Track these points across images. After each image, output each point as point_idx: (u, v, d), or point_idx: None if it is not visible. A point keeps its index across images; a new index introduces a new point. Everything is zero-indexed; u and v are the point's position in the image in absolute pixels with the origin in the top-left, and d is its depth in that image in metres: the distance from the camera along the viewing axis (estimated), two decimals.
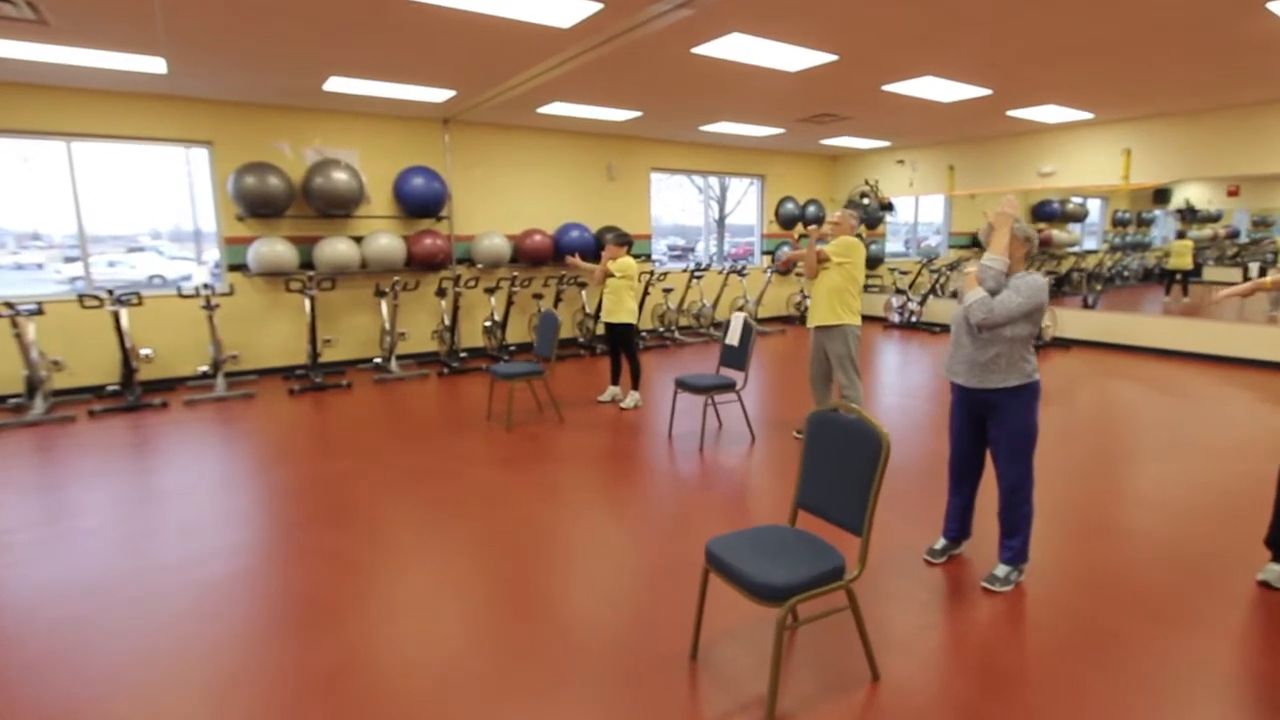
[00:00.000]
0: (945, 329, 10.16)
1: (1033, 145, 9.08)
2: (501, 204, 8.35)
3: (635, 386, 5.73)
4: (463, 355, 7.74)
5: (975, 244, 11.33)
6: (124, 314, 5.93)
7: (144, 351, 6.24)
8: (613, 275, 5.51)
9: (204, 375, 6.69)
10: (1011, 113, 7.66)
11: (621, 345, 5.70)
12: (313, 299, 6.60)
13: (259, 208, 6.65)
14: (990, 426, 2.84)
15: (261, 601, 2.74)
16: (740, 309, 10.45)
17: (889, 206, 10.96)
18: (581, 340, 8.67)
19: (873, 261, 11.90)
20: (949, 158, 10.09)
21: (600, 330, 8.88)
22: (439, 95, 6.49)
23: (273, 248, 6.74)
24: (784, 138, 9.48)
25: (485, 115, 7.61)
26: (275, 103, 6.81)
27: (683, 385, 4.78)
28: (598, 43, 4.71)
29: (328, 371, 7.23)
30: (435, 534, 3.34)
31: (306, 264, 7.08)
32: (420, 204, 7.48)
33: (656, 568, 3.00)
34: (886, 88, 6.36)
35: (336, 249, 7.00)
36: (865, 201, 10.85)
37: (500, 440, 4.85)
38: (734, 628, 2.55)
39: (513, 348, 8.29)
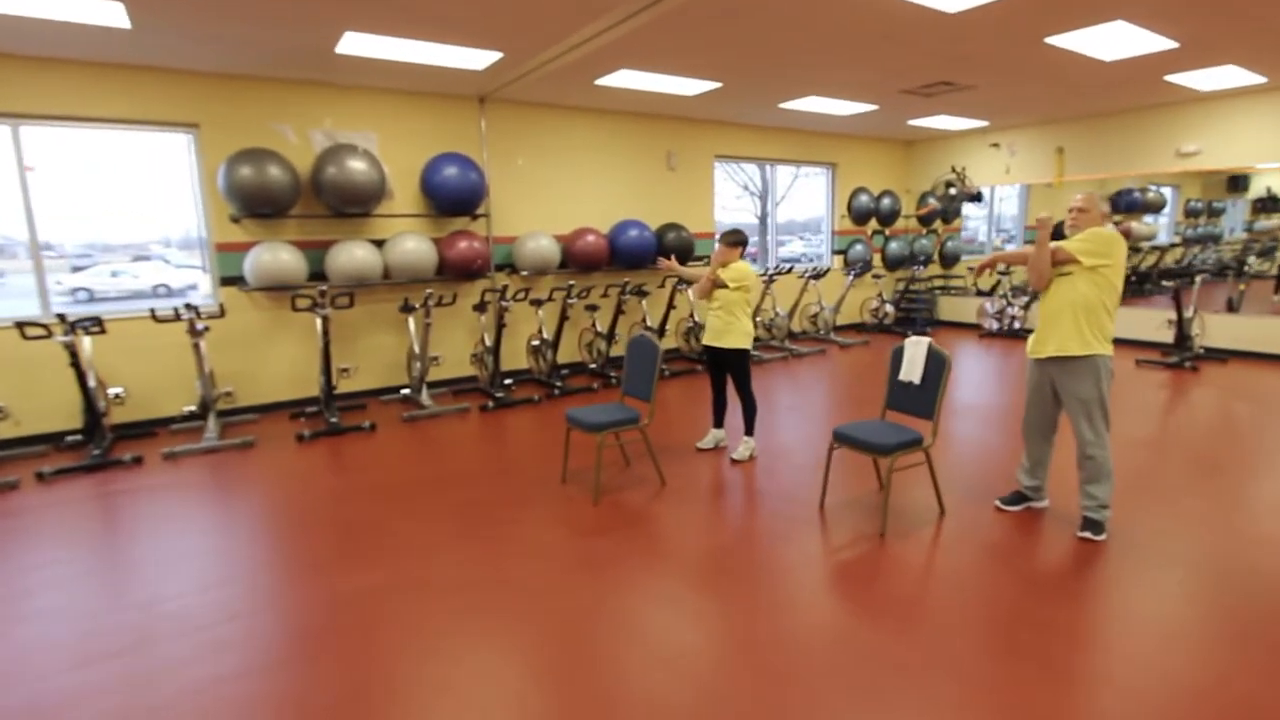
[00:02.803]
0: None
1: (1172, 119, 7.64)
2: (548, 199, 6.98)
3: (749, 431, 4.36)
4: (508, 383, 6.37)
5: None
6: (86, 344, 4.61)
7: (113, 391, 4.92)
8: (724, 286, 4.15)
9: (191, 416, 5.34)
10: (1171, 77, 6.25)
11: (733, 376, 4.34)
12: (325, 318, 5.25)
13: (257, 206, 5.31)
14: None
15: None
16: (814, 316, 9.06)
17: (978, 197, 9.54)
18: None
19: (950, 258, 10.51)
20: (1058, 138, 8.65)
21: (677, 348, 7.51)
22: (480, 59, 5.13)
23: (275, 255, 5.39)
24: (866, 119, 8.09)
25: (529, 91, 6.24)
26: (275, 75, 5.46)
27: (847, 440, 3.40)
28: None
29: (344, 406, 5.87)
30: None
31: (317, 274, 5.74)
32: (453, 199, 6.12)
33: None
34: (1050, 39, 4.98)
35: (354, 255, 5.66)
36: (953, 191, 9.44)
37: (587, 520, 3.49)
38: None
39: (565, 371, 6.92)
